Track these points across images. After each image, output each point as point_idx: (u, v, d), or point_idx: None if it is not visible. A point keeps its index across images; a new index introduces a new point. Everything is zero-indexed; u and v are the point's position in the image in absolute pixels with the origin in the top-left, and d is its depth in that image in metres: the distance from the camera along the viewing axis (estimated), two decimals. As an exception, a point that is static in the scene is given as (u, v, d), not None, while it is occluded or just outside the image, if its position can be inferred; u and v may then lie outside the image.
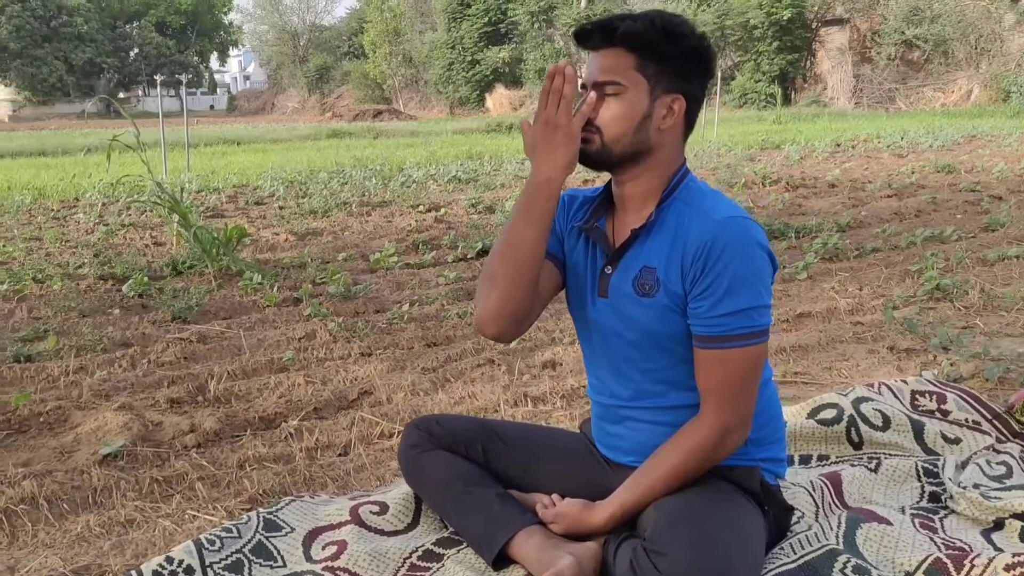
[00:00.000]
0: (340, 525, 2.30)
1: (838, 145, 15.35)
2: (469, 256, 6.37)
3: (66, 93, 52.21)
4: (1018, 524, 2.23)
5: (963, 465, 2.60)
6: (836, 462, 2.69)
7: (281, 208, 9.25)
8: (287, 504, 2.39)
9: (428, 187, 10.88)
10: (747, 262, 1.86)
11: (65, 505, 2.61)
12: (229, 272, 5.76)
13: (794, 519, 2.22)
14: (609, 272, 2.01)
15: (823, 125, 21.38)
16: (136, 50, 57.47)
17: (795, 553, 2.05)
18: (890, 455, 2.69)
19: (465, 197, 9.62)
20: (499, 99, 40.59)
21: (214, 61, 65.66)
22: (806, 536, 2.11)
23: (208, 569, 2.12)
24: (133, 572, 2.07)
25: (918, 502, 2.43)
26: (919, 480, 2.51)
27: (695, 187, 1.98)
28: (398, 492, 2.41)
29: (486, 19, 41.78)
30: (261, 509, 2.36)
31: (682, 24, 1.91)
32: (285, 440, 3.06)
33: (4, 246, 6.98)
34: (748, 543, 1.87)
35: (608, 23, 1.90)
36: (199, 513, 2.54)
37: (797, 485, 2.40)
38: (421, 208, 9.02)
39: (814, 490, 2.39)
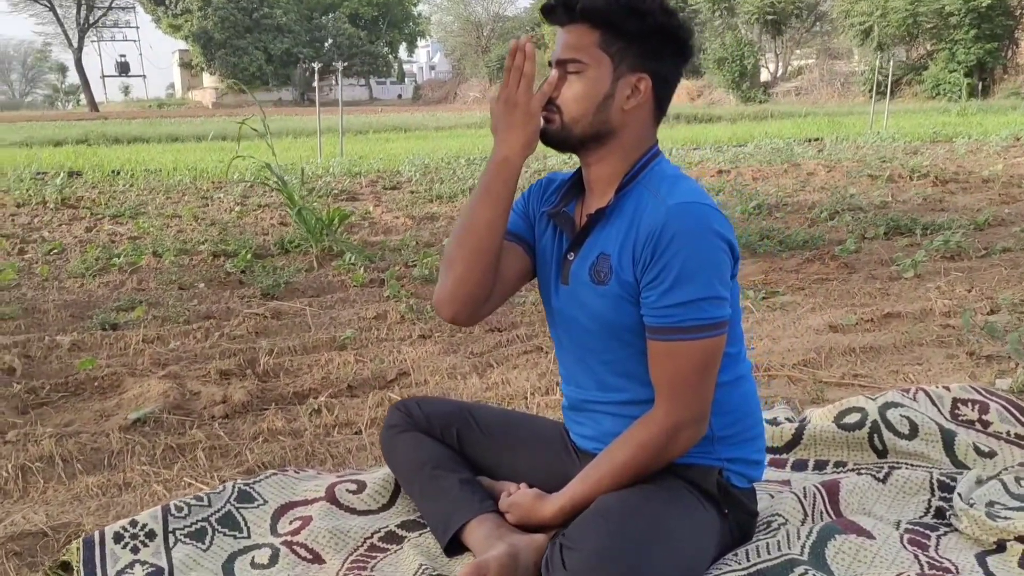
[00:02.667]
0: (313, 501, 2.31)
1: (1017, 139, 14.29)
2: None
3: (264, 81, 54.97)
4: (1020, 548, 2.02)
5: (984, 480, 2.38)
6: (852, 470, 2.51)
7: (412, 192, 9.41)
8: (267, 477, 2.41)
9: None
10: (699, 250, 1.75)
11: (79, 465, 2.73)
12: (331, 252, 5.92)
13: (775, 525, 2.10)
14: (571, 258, 1.94)
15: (1012, 119, 19.94)
16: (330, 41, 59.78)
17: (748, 560, 1.93)
18: (912, 465, 2.48)
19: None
20: (678, 88, 40.01)
21: (403, 51, 67.66)
22: (767, 543, 1.98)
23: (170, 535, 2.16)
24: (96, 532, 2.15)
25: (921, 517, 2.23)
26: (931, 494, 2.31)
27: (660, 171, 1.89)
28: (380, 473, 2.41)
29: (666, 7, 41.14)
30: (239, 480, 2.39)
31: (649, 0, 1.81)
32: (308, 416, 3.11)
33: (141, 222, 7.40)
34: (675, 543, 1.76)
35: None
36: (195, 481, 2.60)
37: (789, 491, 2.26)
38: (547, 195, 8.93)
39: (805, 497, 2.23)
